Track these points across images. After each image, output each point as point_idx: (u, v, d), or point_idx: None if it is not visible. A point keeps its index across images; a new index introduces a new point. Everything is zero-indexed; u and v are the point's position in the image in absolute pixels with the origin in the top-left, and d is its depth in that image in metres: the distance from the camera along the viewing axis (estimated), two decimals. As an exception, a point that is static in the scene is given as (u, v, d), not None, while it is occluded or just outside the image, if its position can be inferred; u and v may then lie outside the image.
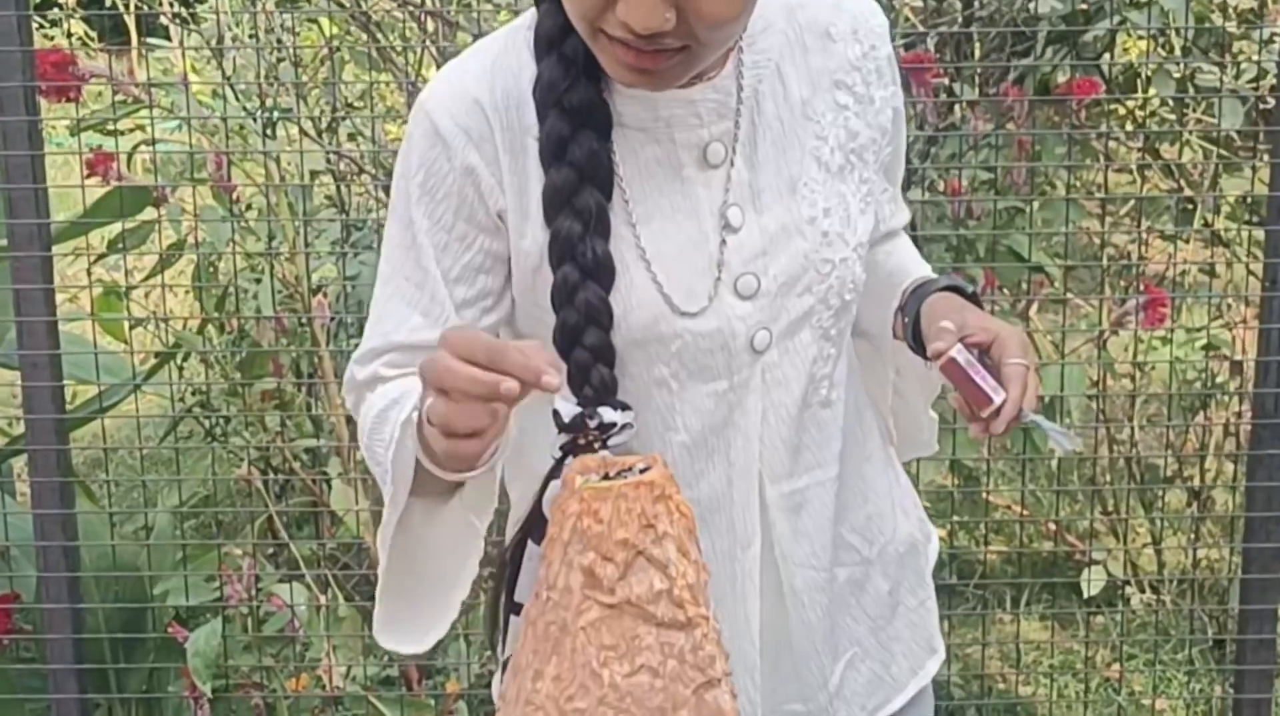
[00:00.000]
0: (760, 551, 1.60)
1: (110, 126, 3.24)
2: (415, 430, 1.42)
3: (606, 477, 1.73)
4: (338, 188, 4.31)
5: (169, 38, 4.51)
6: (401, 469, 1.47)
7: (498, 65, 1.52)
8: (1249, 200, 3.70)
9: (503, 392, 1.26)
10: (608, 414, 1.48)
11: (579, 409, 1.48)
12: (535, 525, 1.53)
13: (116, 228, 3.33)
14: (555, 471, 1.51)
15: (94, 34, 5.76)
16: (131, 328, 3.67)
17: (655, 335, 1.52)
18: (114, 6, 4.75)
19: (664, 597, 1.67)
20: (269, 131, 3.68)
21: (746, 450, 1.58)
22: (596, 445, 1.49)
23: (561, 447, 1.51)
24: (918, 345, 1.66)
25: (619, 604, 1.66)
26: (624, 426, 1.49)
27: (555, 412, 1.48)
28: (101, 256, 3.36)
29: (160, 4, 4.32)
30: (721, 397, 1.56)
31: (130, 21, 4.70)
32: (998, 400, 1.51)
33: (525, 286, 1.54)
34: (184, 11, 4.25)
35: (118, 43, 5.47)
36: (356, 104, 4.45)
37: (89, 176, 3.10)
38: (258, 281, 3.52)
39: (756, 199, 1.53)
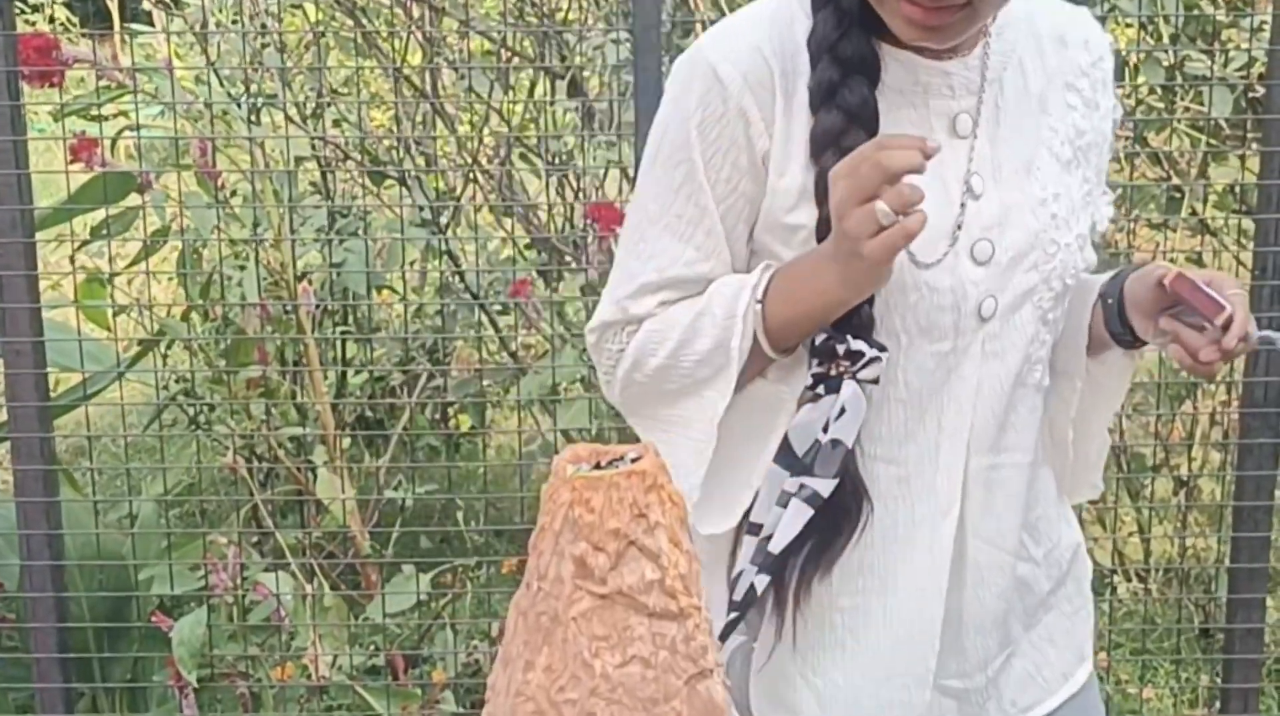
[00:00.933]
0: (956, 521, 1.65)
1: (94, 112, 3.21)
2: (758, 318, 1.56)
3: (598, 467, 1.72)
4: (323, 174, 4.29)
5: (152, 23, 4.49)
6: (742, 355, 1.58)
7: (774, 18, 1.61)
8: (1237, 189, 3.70)
9: (929, 149, 1.42)
10: (858, 343, 1.54)
11: (828, 334, 1.55)
12: (779, 447, 1.58)
13: (99, 214, 3.31)
14: (806, 400, 1.57)
15: (75, 19, 5.74)
16: (115, 315, 3.64)
17: (897, 284, 1.56)
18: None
19: (656, 588, 1.66)
20: (254, 117, 3.66)
21: (959, 416, 1.63)
22: (846, 375, 1.54)
23: (813, 375, 1.57)
24: (1123, 328, 1.69)
25: (610, 594, 1.65)
26: (873, 359, 1.54)
27: (809, 341, 1.56)
28: (85, 243, 3.34)
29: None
30: (943, 359, 1.61)
31: (113, 7, 4.69)
32: (1229, 308, 1.55)
33: (772, 224, 1.60)
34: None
35: (100, 28, 5.45)
36: (341, 90, 4.43)
37: (73, 162, 3.08)
38: (242, 268, 3.50)
39: (997, 171, 1.61)
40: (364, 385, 4.36)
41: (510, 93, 4.13)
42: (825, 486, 1.56)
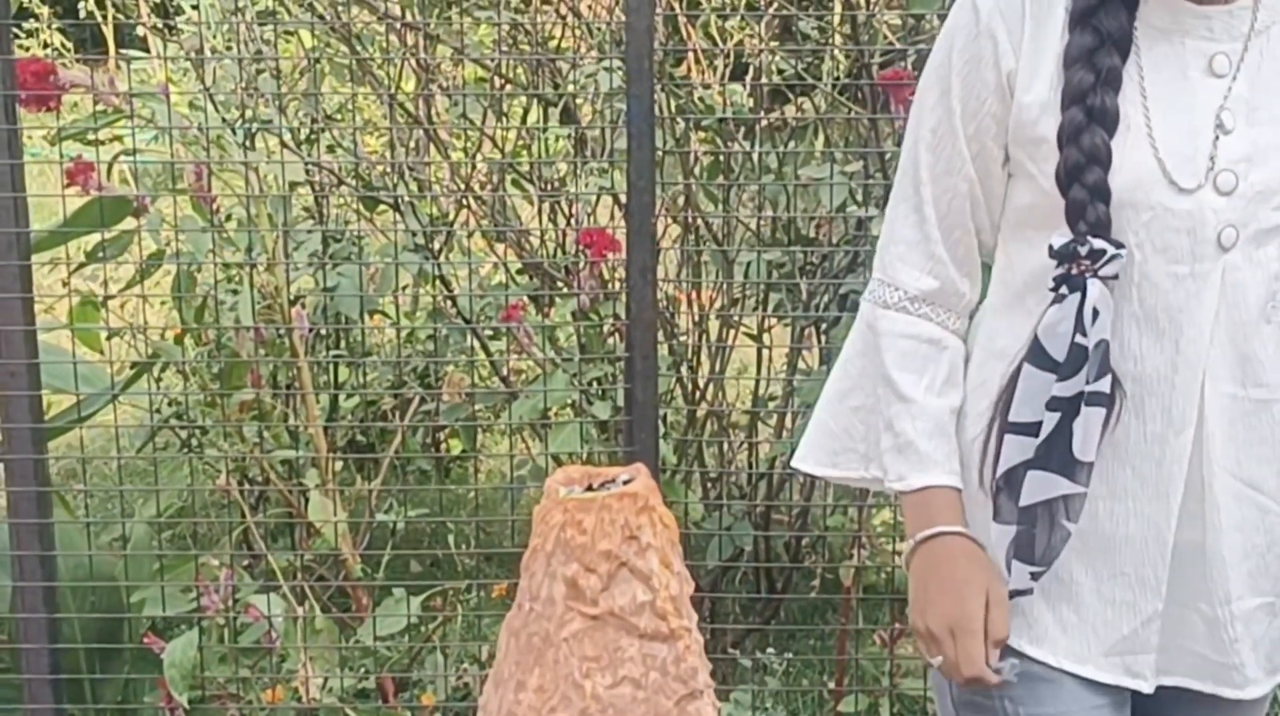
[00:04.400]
0: (1191, 444, 1.70)
1: (90, 136, 3.23)
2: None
3: (590, 489, 1.74)
4: (316, 199, 4.31)
5: (147, 49, 4.51)
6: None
7: None
8: None
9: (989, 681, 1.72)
10: (1098, 242, 1.65)
11: (1070, 238, 1.66)
12: (1030, 350, 1.71)
13: (93, 237, 3.32)
14: (1052, 302, 1.69)
15: (69, 45, 5.76)
16: (109, 338, 3.66)
17: (1134, 199, 1.68)
18: (90, 17, 4.75)
19: (647, 609, 1.68)
20: (248, 142, 3.67)
21: (1197, 340, 1.69)
22: (1088, 273, 1.65)
23: (1055, 278, 1.68)
24: None
25: (602, 615, 1.67)
26: (1113, 256, 1.66)
27: (1049, 245, 1.67)
28: (80, 266, 3.35)
29: (137, 15, 4.33)
30: (1180, 282, 1.68)
31: (108, 33, 4.70)
32: None
33: (1021, 139, 1.74)
34: (160, 23, 4.25)
35: (95, 53, 5.46)
36: (336, 116, 4.45)
37: (68, 186, 3.09)
38: (235, 292, 3.52)
39: (1252, 113, 1.69)
40: (355, 409, 4.37)
41: (503, 119, 4.15)
42: (1104, 384, 1.67)
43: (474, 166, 4.02)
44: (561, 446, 3.29)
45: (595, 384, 3.47)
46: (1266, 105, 1.69)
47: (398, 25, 3.88)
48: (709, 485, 3.93)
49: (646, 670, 1.71)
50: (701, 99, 3.74)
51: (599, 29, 3.91)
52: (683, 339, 3.92)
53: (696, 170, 3.71)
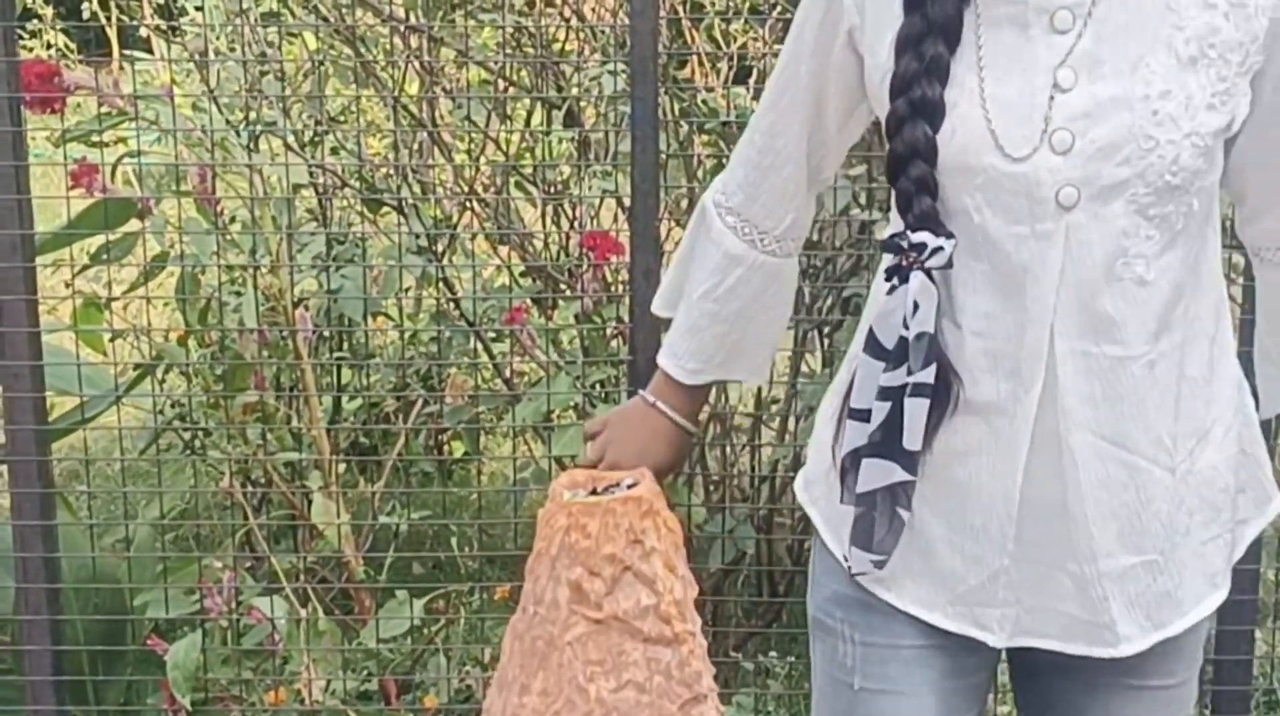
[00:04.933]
0: (1041, 400, 1.71)
1: (94, 138, 3.23)
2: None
3: (595, 492, 1.74)
4: (320, 201, 4.31)
5: (150, 50, 4.51)
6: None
7: None
8: (1227, 224, 3.72)
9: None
10: (921, 237, 1.68)
11: (899, 230, 1.70)
12: (867, 339, 1.75)
13: (95, 239, 3.33)
14: (885, 292, 1.72)
15: (73, 45, 5.75)
16: (111, 340, 3.66)
17: (966, 165, 1.69)
18: (94, 18, 4.75)
19: (651, 613, 1.68)
20: (252, 144, 3.68)
21: (1041, 300, 1.69)
22: (915, 267, 1.68)
23: (887, 269, 1.72)
24: None
25: (606, 619, 1.67)
26: (936, 249, 1.68)
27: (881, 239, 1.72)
28: (85, 268, 3.35)
29: (141, 16, 4.33)
30: (1022, 242, 1.69)
31: (112, 34, 4.70)
32: None
33: (878, 101, 1.78)
34: (164, 24, 4.25)
35: (98, 54, 5.46)
36: (339, 118, 4.45)
37: (73, 188, 3.10)
38: (238, 294, 3.52)
39: (1095, 67, 1.66)
40: (358, 411, 4.37)
41: (507, 122, 4.16)
42: (927, 375, 1.70)
43: (478, 169, 4.02)
44: (564, 449, 3.29)
45: (598, 387, 3.47)
46: (1112, 59, 1.66)
47: (402, 28, 3.89)
48: (711, 488, 3.93)
49: (651, 674, 1.71)
50: (705, 102, 3.74)
51: (602, 32, 3.91)
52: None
53: (700, 173, 3.71)
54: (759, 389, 3.98)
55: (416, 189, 4.06)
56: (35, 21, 5.78)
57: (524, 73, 4.14)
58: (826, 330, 3.87)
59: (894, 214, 1.76)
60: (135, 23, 4.38)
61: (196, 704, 3.11)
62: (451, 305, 3.94)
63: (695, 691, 1.71)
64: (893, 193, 1.72)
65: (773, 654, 3.82)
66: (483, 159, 4.02)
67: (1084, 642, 1.79)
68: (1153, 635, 1.79)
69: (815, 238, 3.78)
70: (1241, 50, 1.68)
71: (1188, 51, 1.66)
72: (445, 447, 4.63)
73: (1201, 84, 1.67)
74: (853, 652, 1.85)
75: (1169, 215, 1.69)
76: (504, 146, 4.00)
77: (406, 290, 4.24)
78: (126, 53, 4.42)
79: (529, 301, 3.77)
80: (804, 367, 3.96)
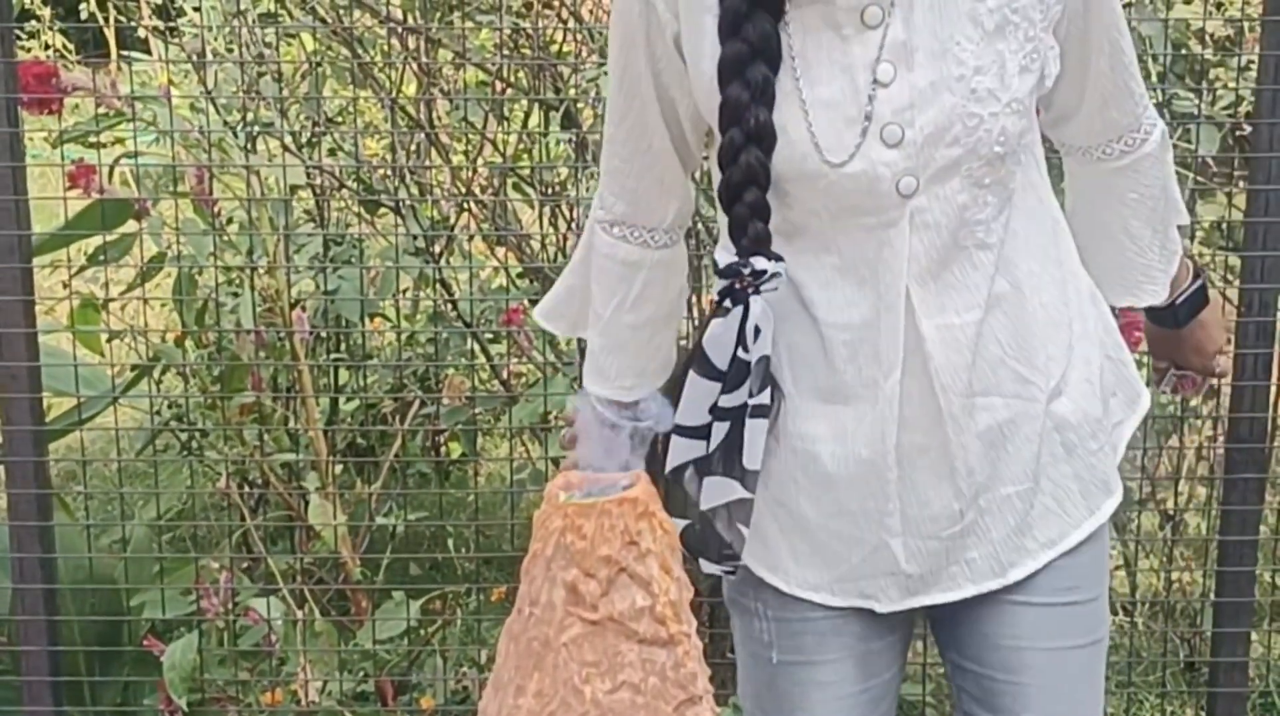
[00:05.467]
0: (903, 380, 1.74)
1: (91, 139, 3.23)
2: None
3: (590, 494, 1.74)
4: (317, 202, 4.31)
5: (148, 51, 4.51)
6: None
7: None
8: (1224, 226, 3.73)
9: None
10: (760, 263, 1.69)
11: (735, 258, 1.69)
12: (695, 358, 1.75)
13: (92, 240, 3.33)
14: (715, 313, 1.73)
15: (71, 46, 5.75)
16: (109, 340, 3.66)
17: (804, 173, 1.70)
18: (91, 19, 4.75)
19: (646, 614, 1.68)
20: (249, 145, 3.68)
21: (893, 285, 1.72)
22: (750, 290, 1.69)
23: (719, 292, 1.72)
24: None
25: (601, 620, 1.67)
26: (773, 274, 1.70)
27: (714, 261, 1.72)
28: (81, 268, 3.35)
29: (139, 17, 4.33)
30: (870, 232, 1.72)
31: (110, 35, 4.70)
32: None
33: (703, 97, 1.76)
34: (162, 25, 4.25)
35: (96, 55, 5.46)
36: (337, 119, 4.45)
37: (70, 188, 3.10)
38: (235, 295, 3.52)
39: (909, 57, 1.67)
40: (355, 412, 4.37)
41: (505, 123, 4.16)
42: (765, 396, 1.73)
43: (475, 170, 4.02)
44: (562, 450, 3.28)
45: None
46: (924, 45, 1.68)
47: (399, 29, 3.89)
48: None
49: (646, 675, 1.71)
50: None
51: (600, 33, 3.91)
52: (683, 342, 3.92)
53: (696, 174, 3.70)
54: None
55: (414, 190, 4.06)
56: (33, 22, 5.78)
57: (521, 74, 4.14)
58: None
59: (724, 237, 1.77)
60: (133, 24, 4.38)
61: (193, 704, 3.11)
62: (449, 306, 3.94)
63: (690, 692, 1.71)
64: (727, 218, 1.73)
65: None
66: (480, 160, 4.02)
67: (972, 584, 1.84)
68: (1042, 554, 1.84)
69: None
70: (1042, 6, 1.72)
71: (993, 21, 1.68)
72: (442, 449, 4.63)
73: (1012, 49, 1.70)
74: (768, 628, 1.89)
75: (1003, 178, 1.74)
76: (501, 148, 4.00)
77: (404, 291, 4.24)
78: (124, 53, 4.42)
79: (526, 302, 3.77)
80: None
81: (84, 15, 5.07)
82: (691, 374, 1.75)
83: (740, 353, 1.70)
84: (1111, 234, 1.98)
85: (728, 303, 1.70)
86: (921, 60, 1.67)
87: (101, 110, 3.19)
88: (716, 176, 1.74)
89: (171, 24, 4.32)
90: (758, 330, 1.70)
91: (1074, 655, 1.89)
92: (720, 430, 1.74)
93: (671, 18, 1.74)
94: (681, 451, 1.76)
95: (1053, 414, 1.82)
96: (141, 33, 4.44)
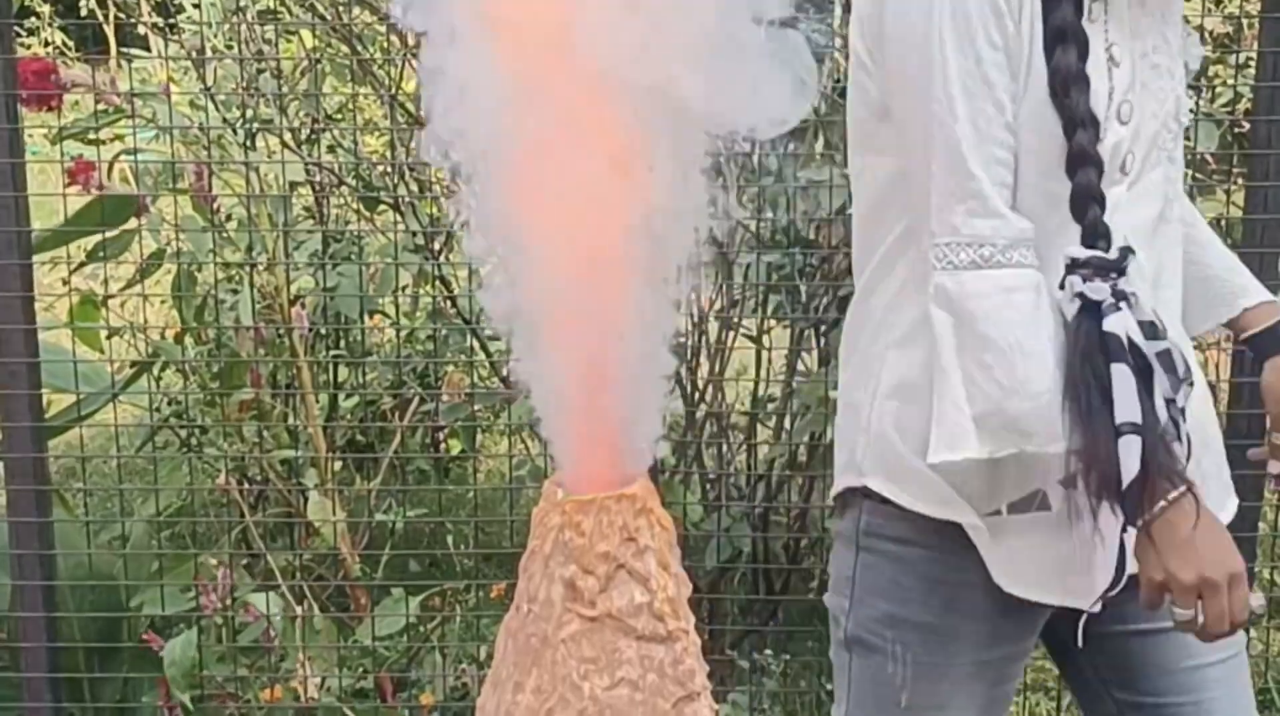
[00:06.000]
0: None
1: (90, 135, 3.24)
2: None
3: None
4: (316, 199, 4.31)
5: (148, 47, 4.51)
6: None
7: None
8: (1223, 223, 3.73)
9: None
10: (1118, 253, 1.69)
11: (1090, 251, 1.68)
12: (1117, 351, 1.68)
13: (93, 236, 3.33)
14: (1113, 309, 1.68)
15: (71, 43, 5.74)
16: (109, 337, 3.66)
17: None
18: (91, 15, 4.75)
19: (645, 611, 1.68)
20: (249, 142, 3.67)
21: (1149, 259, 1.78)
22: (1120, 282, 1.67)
23: (1093, 294, 1.67)
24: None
25: (600, 616, 1.67)
26: (1129, 249, 1.70)
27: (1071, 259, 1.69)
28: (80, 265, 3.36)
29: (140, 14, 4.32)
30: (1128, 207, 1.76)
31: (109, 31, 4.70)
32: None
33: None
34: (161, 22, 4.25)
35: (95, 52, 5.46)
36: (336, 116, 4.45)
37: (69, 185, 3.10)
38: (235, 292, 3.52)
39: (1123, 39, 1.74)
40: (354, 408, 4.37)
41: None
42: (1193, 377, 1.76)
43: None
44: (561, 447, 3.29)
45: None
46: (1125, 25, 1.75)
47: (398, 25, 3.88)
48: (708, 486, 3.93)
49: (644, 671, 1.71)
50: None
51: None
52: (682, 340, 3.92)
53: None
54: (755, 387, 3.98)
55: (413, 187, 4.06)
56: (33, 19, 5.78)
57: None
58: (823, 329, 3.87)
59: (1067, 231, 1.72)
60: (133, 20, 4.38)
61: (193, 700, 3.12)
62: (448, 303, 3.94)
63: (689, 689, 1.71)
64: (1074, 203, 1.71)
65: (768, 652, 3.82)
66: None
67: None
68: None
69: (812, 237, 3.79)
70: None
71: (1157, 5, 1.77)
72: (442, 445, 4.63)
73: (1172, 30, 1.81)
74: (902, 672, 1.86)
75: (1179, 155, 1.84)
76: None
77: (404, 288, 4.24)
78: (124, 50, 4.42)
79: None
80: (800, 366, 3.96)
81: (84, 12, 5.07)
82: (1121, 368, 1.65)
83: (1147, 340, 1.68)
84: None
85: (1114, 302, 1.66)
86: (1128, 41, 1.75)
87: (101, 107, 3.19)
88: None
89: (171, 20, 4.32)
90: (1154, 324, 1.69)
91: (1238, 660, 1.92)
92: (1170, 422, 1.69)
93: (1009, 12, 1.69)
94: (1129, 454, 1.65)
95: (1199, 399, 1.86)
96: (141, 29, 4.44)
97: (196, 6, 4.39)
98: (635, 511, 1.70)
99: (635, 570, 1.70)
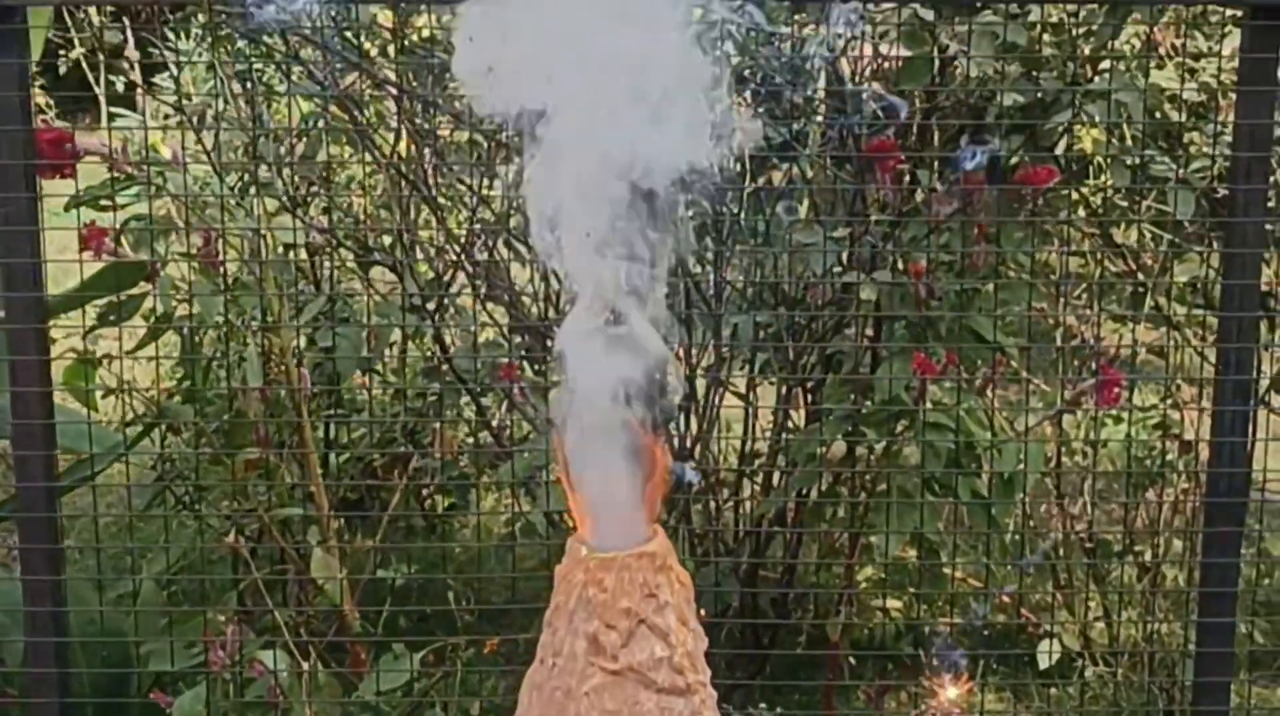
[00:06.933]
0: None
1: (103, 201, 3.31)
2: None
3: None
4: (311, 262, 4.39)
5: (131, 105, 4.59)
6: None
7: None
8: (1199, 285, 3.84)
9: None
10: None
11: None
12: None
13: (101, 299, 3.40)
14: None
15: (50, 102, 5.81)
16: (116, 396, 3.71)
17: None
18: (76, 70, 4.83)
19: (665, 664, 1.76)
20: (251, 205, 3.75)
21: None
22: None
23: None
24: None
25: (622, 670, 1.75)
26: None
27: None
28: (92, 328, 3.42)
29: (126, 73, 4.41)
30: None
31: (100, 94, 4.78)
32: None
33: None
34: (145, 82, 4.34)
35: (76, 109, 5.53)
36: (332, 179, 4.53)
37: (82, 250, 3.18)
38: (242, 359, 3.59)
39: None
40: (345, 464, 4.43)
41: (498, 182, 4.24)
42: None
43: (471, 229, 4.10)
44: (557, 503, 3.37)
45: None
46: None
47: (395, 93, 3.98)
48: (696, 542, 4.01)
49: (664, 723, 1.79)
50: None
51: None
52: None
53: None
54: (743, 444, 4.07)
55: (409, 249, 4.14)
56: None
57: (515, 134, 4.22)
58: (810, 386, 3.96)
59: None
60: (116, 79, 4.47)
61: (201, 756, 3.17)
62: (442, 362, 4.02)
63: (706, 739, 1.79)
64: None
65: (763, 706, 3.89)
66: (474, 218, 4.11)
67: None
68: None
69: (799, 297, 3.89)
70: None
71: None
72: (434, 502, 4.69)
73: None
74: None
75: None
76: (494, 207, 4.09)
77: (396, 346, 4.31)
78: (114, 110, 4.50)
79: (519, 358, 3.85)
80: (788, 423, 4.05)
81: (62, 71, 5.14)
82: None
83: None
84: None
85: None
86: None
87: (107, 171, 3.27)
88: None
89: (154, 80, 4.40)
90: None
91: None
92: None
93: None
94: None
95: None
96: (120, 87, 4.53)
97: (180, 64, 4.46)
98: (655, 568, 1.79)
99: (655, 625, 1.78)
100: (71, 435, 3.31)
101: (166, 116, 4.24)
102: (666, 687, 1.78)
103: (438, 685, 3.56)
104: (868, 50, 3.85)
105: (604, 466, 1.75)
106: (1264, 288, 3.67)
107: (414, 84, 4.05)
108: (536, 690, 1.83)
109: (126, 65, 4.46)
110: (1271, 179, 3.15)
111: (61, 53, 5.05)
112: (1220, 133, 3.44)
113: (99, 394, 3.76)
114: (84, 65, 4.91)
